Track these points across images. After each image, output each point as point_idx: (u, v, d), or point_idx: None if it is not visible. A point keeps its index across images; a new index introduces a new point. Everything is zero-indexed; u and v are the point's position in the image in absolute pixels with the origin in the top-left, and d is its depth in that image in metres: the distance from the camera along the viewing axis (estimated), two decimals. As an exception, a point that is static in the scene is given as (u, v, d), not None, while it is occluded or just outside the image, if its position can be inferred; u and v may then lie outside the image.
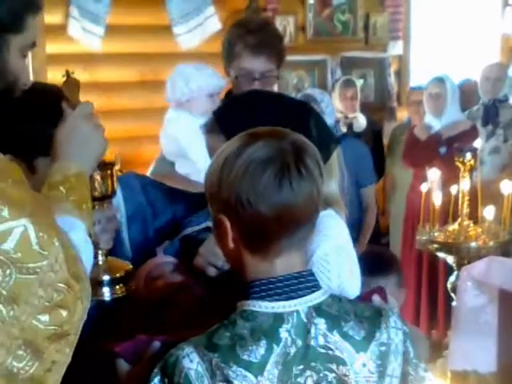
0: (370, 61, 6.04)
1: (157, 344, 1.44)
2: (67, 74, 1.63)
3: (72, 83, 1.61)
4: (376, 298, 1.66)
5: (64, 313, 1.28)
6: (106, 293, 1.64)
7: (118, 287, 1.66)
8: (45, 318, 1.27)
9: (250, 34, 2.64)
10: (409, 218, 4.87)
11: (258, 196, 1.30)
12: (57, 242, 1.28)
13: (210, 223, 1.89)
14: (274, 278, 1.34)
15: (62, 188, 1.42)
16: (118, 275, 1.65)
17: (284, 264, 1.35)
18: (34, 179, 1.56)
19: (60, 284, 1.28)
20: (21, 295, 1.24)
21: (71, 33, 4.65)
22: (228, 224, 1.35)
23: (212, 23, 5.07)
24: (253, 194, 1.30)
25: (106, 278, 1.63)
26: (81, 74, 4.74)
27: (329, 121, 4.29)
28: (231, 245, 1.36)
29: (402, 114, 5.96)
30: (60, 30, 4.60)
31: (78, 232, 1.40)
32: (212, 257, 1.71)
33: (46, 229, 1.28)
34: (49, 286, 1.26)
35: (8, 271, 1.23)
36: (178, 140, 3.41)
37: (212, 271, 1.72)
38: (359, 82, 5.66)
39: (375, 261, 2.73)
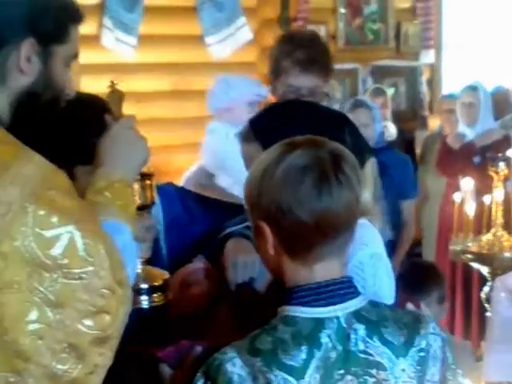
0: (402, 69, 6.02)
1: (199, 349, 1.48)
2: (112, 84, 1.65)
3: (116, 94, 1.64)
4: (410, 306, 1.67)
5: (107, 317, 1.32)
6: (144, 301, 1.65)
7: (155, 295, 1.68)
8: (89, 322, 1.30)
9: (299, 49, 2.59)
10: (442, 228, 4.84)
11: (298, 203, 1.33)
12: (102, 249, 1.31)
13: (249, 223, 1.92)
14: (313, 283, 1.36)
15: (106, 193, 1.45)
16: (156, 284, 1.66)
17: (323, 270, 1.38)
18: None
19: (104, 290, 1.31)
20: (67, 300, 1.27)
21: (104, 43, 4.71)
22: (268, 231, 1.37)
23: (243, 33, 5.10)
24: (293, 201, 1.33)
25: (145, 286, 1.65)
26: (107, 87, 4.81)
27: (378, 128, 4.27)
28: (271, 251, 1.39)
29: (434, 123, 5.93)
30: (94, 40, 4.65)
31: (123, 235, 1.42)
32: (233, 273, 1.75)
33: (92, 235, 1.31)
34: (93, 291, 1.30)
35: (55, 276, 1.27)
36: (217, 152, 3.43)
37: (233, 288, 1.75)
38: (390, 91, 5.65)
39: (417, 278, 2.72)
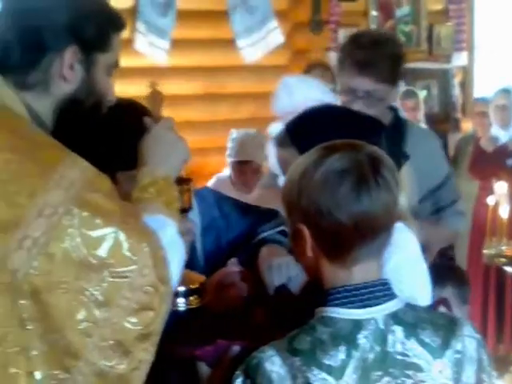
0: (434, 72, 5.99)
1: (236, 348, 1.50)
2: (152, 85, 1.67)
3: (156, 95, 1.66)
4: (442, 309, 1.68)
5: (151, 313, 1.35)
6: (181, 303, 1.68)
7: (192, 298, 1.70)
8: (134, 319, 1.34)
9: (360, 50, 2.55)
10: (475, 231, 4.81)
11: (337, 205, 1.35)
12: (146, 248, 1.34)
13: (285, 227, 1.94)
14: (351, 285, 1.38)
15: (151, 189, 1.48)
16: (192, 287, 1.69)
17: (361, 272, 1.39)
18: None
19: (148, 287, 1.34)
20: (113, 298, 1.31)
21: (138, 47, 4.76)
22: (307, 233, 1.39)
23: (275, 36, 5.11)
24: (332, 203, 1.35)
25: (182, 288, 1.67)
26: (147, 87, 4.85)
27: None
28: (310, 253, 1.41)
29: (467, 126, 5.89)
30: (127, 45, 4.70)
31: (169, 229, 1.45)
32: (269, 276, 1.76)
33: (136, 235, 1.34)
34: (138, 289, 1.33)
35: (101, 276, 1.31)
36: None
37: (271, 291, 1.76)
38: (422, 93, 5.62)
39: (433, 274, 2.71)
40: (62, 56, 1.49)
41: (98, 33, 1.52)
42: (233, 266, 1.91)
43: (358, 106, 2.52)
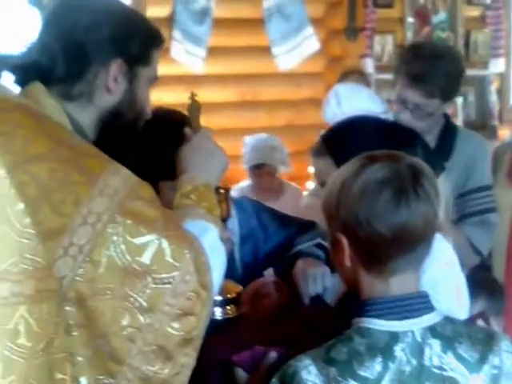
0: (471, 79, 5.92)
1: (274, 354, 1.51)
2: (192, 96, 1.70)
3: (195, 105, 1.69)
4: (480, 323, 1.66)
5: (192, 319, 1.38)
6: (218, 312, 1.69)
7: (229, 308, 1.71)
8: (176, 324, 1.36)
9: (415, 61, 2.54)
10: (512, 241, 4.74)
11: (376, 216, 1.35)
12: (188, 254, 1.37)
13: (321, 240, 1.94)
14: (389, 297, 1.38)
15: (192, 196, 1.52)
16: (229, 296, 1.70)
17: (399, 283, 1.39)
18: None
19: (190, 293, 1.37)
20: (156, 304, 1.34)
21: (174, 55, 4.79)
22: (346, 243, 1.40)
23: (310, 43, 5.11)
24: (371, 213, 1.36)
25: (219, 298, 1.68)
26: (182, 95, 4.89)
27: None
28: (348, 263, 1.42)
29: (504, 133, 5.82)
30: (163, 53, 4.72)
31: (211, 235, 1.48)
32: (304, 286, 1.76)
33: (178, 241, 1.37)
34: (180, 295, 1.36)
35: (145, 281, 1.33)
36: None
37: (306, 301, 1.76)
38: (458, 100, 5.58)
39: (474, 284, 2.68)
40: (107, 68, 1.52)
41: (142, 47, 1.56)
42: (269, 277, 1.92)
43: (405, 117, 2.52)
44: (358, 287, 1.42)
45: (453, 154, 2.63)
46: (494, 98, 6.01)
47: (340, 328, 1.42)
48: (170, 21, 4.82)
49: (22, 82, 1.56)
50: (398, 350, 1.34)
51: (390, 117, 2.68)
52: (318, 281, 1.79)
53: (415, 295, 1.39)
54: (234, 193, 4.15)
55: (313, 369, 1.33)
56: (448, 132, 2.72)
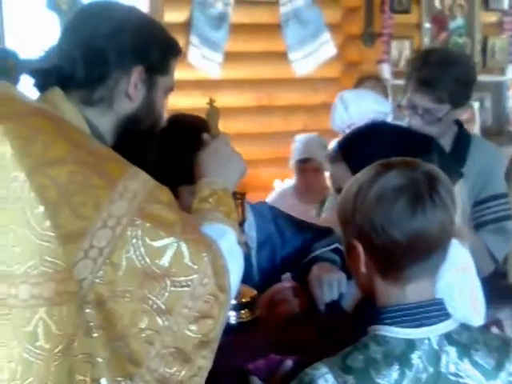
0: (488, 84, 5.91)
1: (289, 363, 1.51)
2: (210, 101, 1.71)
3: (213, 111, 1.70)
4: (494, 330, 1.66)
5: (210, 321, 1.38)
6: (232, 316, 1.70)
7: (243, 312, 1.72)
8: (194, 327, 1.37)
9: (425, 66, 2.55)
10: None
11: (392, 222, 1.35)
12: (205, 257, 1.38)
13: (338, 245, 1.95)
14: (405, 304, 1.38)
15: (211, 200, 1.53)
16: (244, 300, 1.70)
17: (415, 291, 1.39)
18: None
19: (208, 296, 1.38)
20: (174, 307, 1.35)
21: (191, 60, 4.81)
22: (361, 249, 1.40)
23: (327, 49, 5.11)
24: (387, 220, 1.36)
25: (233, 302, 1.69)
26: (199, 99, 4.90)
27: None
28: (363, 270, 1.42)
29: (521, 139, 5.80)
30: (180, 58, 4.75)
31: (228, 238, 1.49)
32: (319, 292, 1.76)
33: (196, 244, 1.38)
34: (198, 298, 1.37)
35: (163, 284, 1.34)
36: None
37: (322, 307, 1.76)
38: (475, 105, 5.56)
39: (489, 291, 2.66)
40: (129, 75, 1.54)
41: (161, 56, 1.58)
42: (287, 282, 1.92)
43: (415, 122, 2.52)
44: (373, 294, 1.42)
45: (466, 162, 2.62)
46: (510, 103, 5.99)
47: (357, 334, 1.42)
48: (188, 26, 4.84)
49: (42, 85, 1.58)
50: (415, 358, 1.34)
51: (399, 120, 2.70)
52: (334, 287, 1.79)
53: (431, 302, 1.39)
54: (276, 194, 4.16)
55: (330, 377, 1.33)
56: (461, 139, 2.71)
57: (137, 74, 1.56)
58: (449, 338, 1.37)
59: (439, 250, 1.39)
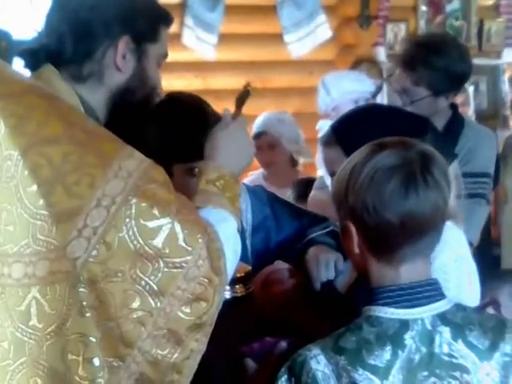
0: (483, 68, 5.89)
1: (283, 344, 1.50)
2: (247, 84, 1.70)
3: (246, 93, 1.69)
4: (490, 311, 1.66)
5: (204, 304, 1.37)
6: (227, 291, 1.69)
7: (237, 287, 1.72)
8: (187, 309, 1.36)
9: (410, 47, 2.64)
10: (523, 231, 4.74)
11: (384, 203, 1.34)
12: (200, 239, 1.36)
13: (334, 227, 1.95)
14: (399, 285, 1.38)
15: (218, 184, 1.50)
16: (238, 275, 1.70)
17: (408, 271, 1.39)
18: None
19: (202, 278, 1.36)
20: (167, 288, 1.34)
21: (186, 42, 4.79)
22: (354, 230, 1.39)
23: (323, 31, 5.09)
24: (378, 201, 1.35)
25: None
26: (193, 81, 4.87)
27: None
28: (356, 250, 1.41)
29: (516, 123, 5.80)
30: (175, 39, 4.73)
31: (229, 224, 1.47)
32: (316, 271, 1.76)
33: (191, 226, 1.36)
34: (192, 280, 1.35)
35: (157, 265, 1.33)
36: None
37: (317, 286, 1.76)
38: (470, 89, 5.55)
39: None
40: (115, 46, 1.53)
41: (149, 24, 1.57)
42: (281, 263, 1.92)
43: (395, 101, 2.56)
44: (367, 275, 1.42)
45: (458, 145, 2.63)
46: (506, 87, 5.98)
47: (350, 315, 1.41)
48: (182, 7, 4.81)
49: (33, 66, 1.57)
50: (408, 338, 1.33)
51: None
52: (331, 266, 1.79)
53: (424, 283, 1.38)
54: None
55: (322, 358, 1.33)
56: (455, 122, 2.72)
57: (123, 43, 1.54)
58: (442, 318, 1.36)
59: (432, 231, 1.38)
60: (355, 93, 3.37)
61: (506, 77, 5.99)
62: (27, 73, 1.58)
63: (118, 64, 1.54)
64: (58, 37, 1.54)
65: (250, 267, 1.79)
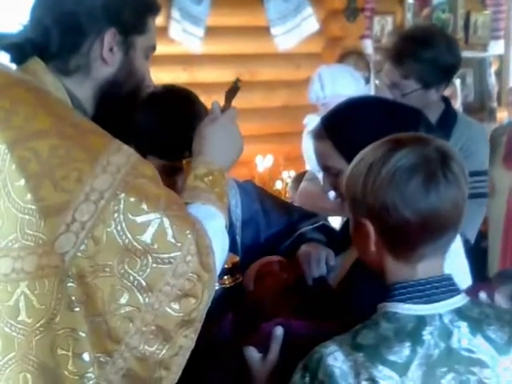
0: (470, 60, 5.91)
1: (280, 330, 1.51)
2: (237, 80, 1.69)
3: (235, 88, 1.68)
4: (483, 295, 1.65)
5: (193, 300, 1.36)
6: (215, 283, 1.68)
7: (225, 278, 1.71)
8: (176, 305, 1.35)
9: (399, 41, 2.65)
10: (509, 222, 4.76)
11: (405, 202, 1.32)
12: (189, 235, 1.35)
13: (324, 222, 1.94)
14: (415, 281, 1.36)
15: (206, 180, 1.49)
16: (226, 266, 1.69)
17: (425, 268, 1.37)
18: None
19: (191, 274, 1.35)
20: (155, 284, 1.32)
21: (172, 35, 4.76)
22: (371, 228, 1.37)
23: (310, 24, 5.08)
24: (399, 200, 1.32)
25: None
26: (180, 74, 4.84)
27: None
28: (373, 248, 1.39)
29: (503, 115, 5.82)
30: (162, 32, 4.71)
31: (217, 221, 1.46)
32: (308, 268, 1.76)
33: (180, 221, 1.35)
34: (181, 275, 1.34)
35: (145, 261, 1.32)
36: (307, 150, 3.41)
37: (310, 282, 1.76)
38: (457, 82, 5.57)
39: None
40: (101, 39, 1.51)
41: (135, 15, 1.54)
42: (274, 257, 1.91)
43: (385, 94, 2.55)
44: (383, 272, 1.39)
45: (451, 139, 2.63)
46: (492, 80, 6.00)
47: (339, 310, 1.40)
48: (169, 0, 4.78)
49: (18, 60, 1.54)
50: (426, 334, 1.31)
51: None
52: (322, 263, 1.79)
53: (440, 278, 1.36)
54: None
55: (339, 355, 1.30)
56: (448, 117, 2.72)
57: (109, 36, 1.51)
58: (459, 313, 1.35)
59: (451, 229, 1.36)
60: (350, 92, 3.38)
61: (492, 69, 6.02)
62: (13, 67, 1.56)
63: (104, 57, 1.52)
64: (44, 30, 1.51)
65: (237, 258, 1.79)
